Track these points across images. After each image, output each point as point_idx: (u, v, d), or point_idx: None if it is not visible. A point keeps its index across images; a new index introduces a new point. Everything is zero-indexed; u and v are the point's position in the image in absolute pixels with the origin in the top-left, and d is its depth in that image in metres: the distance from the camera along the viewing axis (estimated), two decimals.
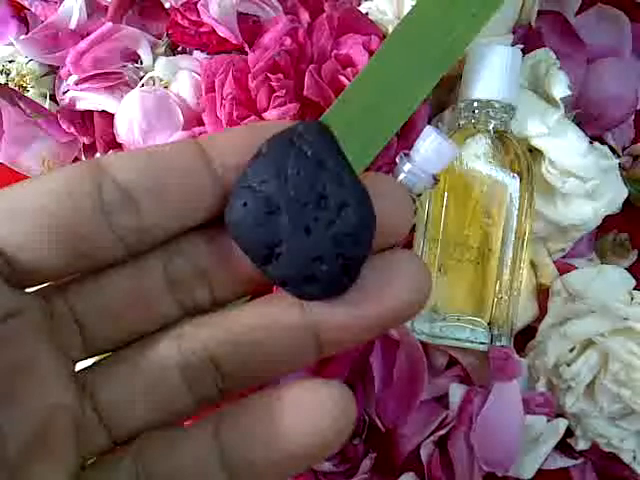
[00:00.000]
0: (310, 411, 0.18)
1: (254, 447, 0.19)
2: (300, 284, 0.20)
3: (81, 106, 0.45)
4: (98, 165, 0.20)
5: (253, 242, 0.20)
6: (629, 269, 0.44)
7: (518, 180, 0.41)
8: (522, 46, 0.43)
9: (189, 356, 0.21)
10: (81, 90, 0.44)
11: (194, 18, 0.44)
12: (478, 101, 0.41)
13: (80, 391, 0.20)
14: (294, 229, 0.19)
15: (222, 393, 0.21)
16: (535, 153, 0.43)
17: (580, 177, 0.41)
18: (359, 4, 0.45)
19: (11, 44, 0.46)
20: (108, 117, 0.44)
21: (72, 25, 0.47)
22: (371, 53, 0.42)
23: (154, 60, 0.45)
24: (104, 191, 0.19)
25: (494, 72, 0.41)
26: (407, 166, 0.38)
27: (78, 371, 0.21)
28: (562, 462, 0.43)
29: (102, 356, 0.22)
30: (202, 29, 0.44)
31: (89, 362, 0.22)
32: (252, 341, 0.20)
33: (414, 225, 0.42)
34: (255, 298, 0.22)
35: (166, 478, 0.20)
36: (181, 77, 0.44)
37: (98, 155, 0.44)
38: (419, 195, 0.39)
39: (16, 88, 0.45)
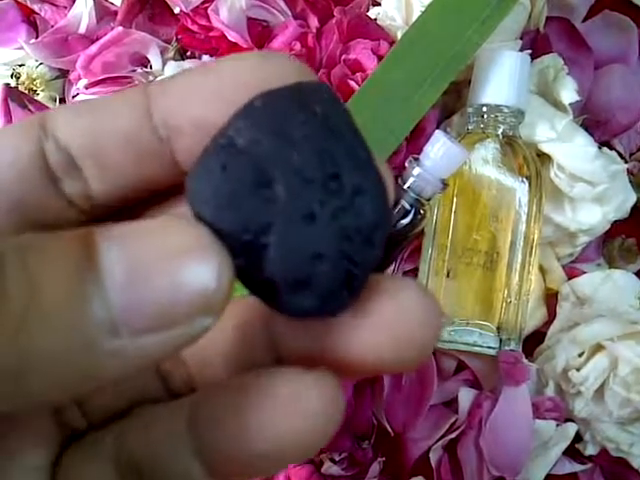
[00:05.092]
0: (290, 405, 0.15)
1: (224, 439, 0.16)
2: (290, 291, 0.14)
3: None
4: (44, 123, 0.17)
5: (229, 224, 0.14)
6: (637, 274, 0.44)
7: (527, 185, 0.41)
8: (530, 51, 0.43)
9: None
10: (91, 94, 0.45)
11: (204, 23, 0.44)
12: (487, 106, 0.41)
13: None
14: (292, 212, 0.14)
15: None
16: (543, 158, 0.43)
17: (589, 182, 0.41)
18: (368, 9, 0.45)
19: (21, 48, 0.47)
20: None
21: (82, 29, 0.47)
22: (380, 58, 0.42)
23: (163, 64, 0.46)
24: (48, 154, 0.17)
25: (503, 77, 0.41)
26: (416, 170, 0.38)
27: None
28: (571, 467, 0.43)
29: None
30: (212, 34, 0.44)
31: None
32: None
33: (422, 229, 0.42)
34: None
35: (144, 460, 0.17)
36: None
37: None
38: (428, 199, 0.40)
39: (26, 91, 0.46)
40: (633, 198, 0.44)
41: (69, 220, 0.17)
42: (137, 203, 0.18)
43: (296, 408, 0.15)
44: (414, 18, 0.42)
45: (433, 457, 0.41)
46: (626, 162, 0.46)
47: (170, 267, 0.13)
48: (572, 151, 0.42)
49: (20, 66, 0.47)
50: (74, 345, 0.13)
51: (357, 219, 0.14)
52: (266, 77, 0.16)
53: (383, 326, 0.15)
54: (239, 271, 0.14)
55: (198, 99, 0.16)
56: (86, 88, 0.45)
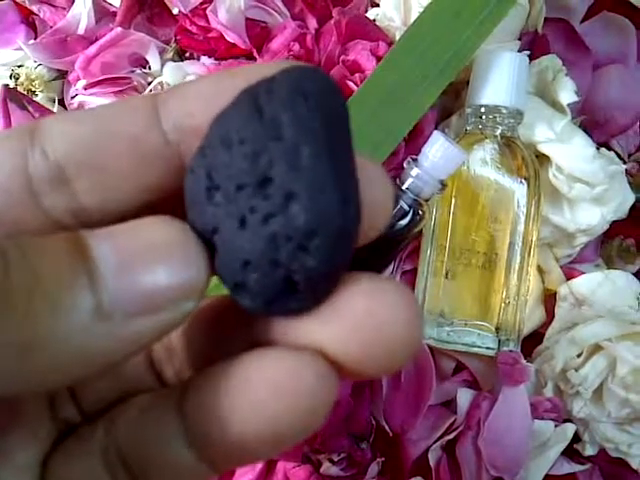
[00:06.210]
0: (285, 385, 0.15)
1: (216, 424, 0.16)
2: (232, 290, 0.15)
3: None
4: (33, 131, 0.17)
5: (194, 222, 0.15)
6: (636, 275, 0.44)
7: (525, 185, 0.41)
8: (528, 52, 0.43)
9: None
10: (90, 94, 0.45)
11: (202, 24, 0.44)
12: (485, 107, 0.41)
13: None
14: (229, 217, 0.14)
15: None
16: (542, 159, 0.43)
17: (587, 183, 0.41)
18: (366, 10, 0.45)
19: (20, 49, 0.47)
20: None
21: (81, 30, 0.47)
22: (378, 59, 0.42)
23: (162, 65, 0.46)
24: (32, 167, 0.16)
25: (501, 78, 0.41)
26: (415, 171, 0.38)
27: None
28: (570, 467, 0.43)
29: None
30: (210, 35, 0.44)
31: None
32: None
33: (421, 230, 0.42)
34: None
35: (136, 450, 0.17)
36: None
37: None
38: (427, 200, 0.40)
39: (25, 92, 0.46)
40: (631, 199, 0.44)
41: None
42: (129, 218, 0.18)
43: (291, 388, 0.15)
44: (413, 19, 0.42)
45: (432, 457, 0.41)
46: (624, 163, 0.46)
47: (154, 258, 0.14)
48: (571, 152, 0.42)
49: (19, 67, 0.47)
50: (72, 327, 0.14)
51: (288, 225, 0.14)
52: None
53: (350, 323, 0.15)
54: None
55: (224, 100, 0.16)
56: (85, 89, 0.45)
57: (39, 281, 0.14)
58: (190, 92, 0.17)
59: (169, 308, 0.15)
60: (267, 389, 0.15)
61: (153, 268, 0.14)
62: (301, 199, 0.14)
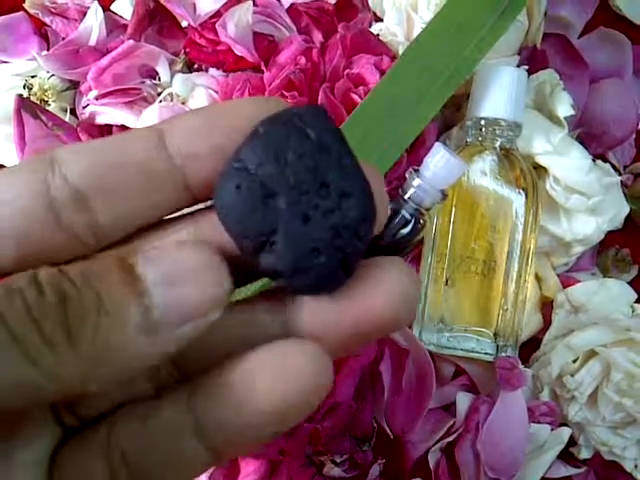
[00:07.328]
0: (283, 372, 0.18)
1: (225, 410, 0.18)
2: (294, 275, 0.19)
3: (101, 120, 0.46)
4: (51, 160, 0.19)
5: (246, 229, 0.18)
6: (630, 283, 0.45)
7: (524, 196, 0.42)
8: (527, 67, 0.44)
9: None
10: (101, 105, 0.46)
11: (211, 37, 0.45)
12: (485, 119, 0.43)
13: None
14: (292, 217, 0.18)
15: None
16: (540, 170, 0.44)
17: (583, 194, 0.43)
18: (370, 25, 0.46)
19: (33, 59, 0.48)
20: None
21: (92, 42, 0.48)
22: (382, 72, 0.43)
23: (172, 77, 0.47)
24: (54, 191, 0.19)
25: (501, 92, 0.42)
26: (416, 181, 0.39)
27: None
28: (565, 470, 0.44)
29: None
30: (219, 47, 0.45)
31: None
32: (227, 349, 0.20)
33: (422, 238, 0.43)
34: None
35: (139, 451, 0.19)
36: (198, 94, 0.46)
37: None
38: (428, 209, 0.41)
39: (38, 102, 0.47)
40: (626, 209, 0.45)
41: (73, 253, 0.19)
42: (139, 232, 0.20)
43: (301, 370, 0.18)
44: (415, 34, 0.43)
45: (431, 459, 0.42)
46: (620, 174, 0.47)
47: (192, 279, 0.18)
48: (567, 164, 0.43)
49: (32, 77, 0.48)
50: (128, 340, 0.17)
51: (344, 217, 0.18)
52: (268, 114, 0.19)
53: (386, 290, 0.19)
54: (257, 264, 0.19)
55: (218, 130, 0.19)
56: (96, 99, 0.46)
57: (102, 303, 0.17)
58: (187, 125, 0.20)
59: (202, 318, 0.18)
60: (277, 373, 0.18)
61: (192, 286, 0.17)
62: (354, 196, 0.18)
